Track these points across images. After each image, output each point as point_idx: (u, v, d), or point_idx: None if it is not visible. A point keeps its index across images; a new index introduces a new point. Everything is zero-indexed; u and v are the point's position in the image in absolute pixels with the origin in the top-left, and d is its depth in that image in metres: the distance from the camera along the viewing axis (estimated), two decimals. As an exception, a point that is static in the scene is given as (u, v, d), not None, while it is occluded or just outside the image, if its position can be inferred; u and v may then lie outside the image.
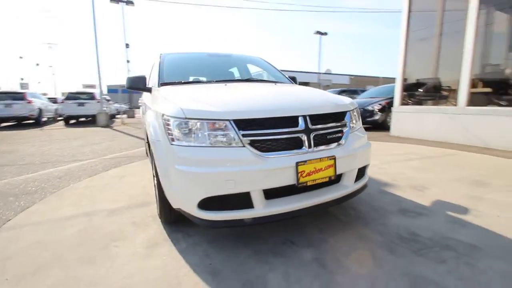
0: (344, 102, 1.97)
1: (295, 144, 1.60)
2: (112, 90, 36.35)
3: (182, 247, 1.75)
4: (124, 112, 18.26)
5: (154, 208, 2.34)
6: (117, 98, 27.22)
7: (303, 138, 1.61)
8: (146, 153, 4.60)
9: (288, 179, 1.54)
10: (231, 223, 1.53)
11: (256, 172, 1.48)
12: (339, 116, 1.84)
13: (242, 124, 1.53)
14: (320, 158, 1.61)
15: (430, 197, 2.47)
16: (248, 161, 1.48)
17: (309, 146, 1.62)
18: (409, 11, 5.96)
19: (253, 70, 3.40)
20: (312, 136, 1.64)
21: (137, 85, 2.55)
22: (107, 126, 11.26)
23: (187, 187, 1.53)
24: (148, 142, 3.59)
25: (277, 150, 1.56)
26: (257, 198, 1.51)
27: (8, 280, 1.47)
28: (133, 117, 17.92)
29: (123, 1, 17.09)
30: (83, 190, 2.97)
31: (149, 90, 2.53)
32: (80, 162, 4.42)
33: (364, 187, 2.00)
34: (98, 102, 12.01)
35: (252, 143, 1.53)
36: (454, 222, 2.00)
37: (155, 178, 2.02)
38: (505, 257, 1.55)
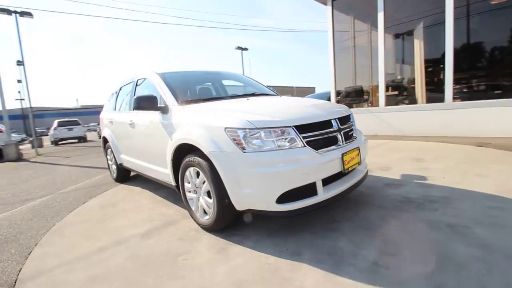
0: (346, 108, 2.56)
1: (334, 141, 2.06)
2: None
3: (250, 245, 1.94)
4: (23, 142, 15.13)
5: (185, 224, 2.39)
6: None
7: (338, 136, 2.09)
8: (114, 179, 4.27)
9: (337, 168, 1.98)
10: (302, 210, 1.85)
11: (318, 165, 1.86)
12: (348, 118, 2.40)
13: (300, 129, 1.89)
14: (352, 149, 2.11)
15: (395, 173, 3.30)
16: (311, 157, 1.85)
17: (342, 142, 2.10)
18: (333, 39, 7.31)
19: (234, 84, 3.71)
20: (342, 133, 2.13)
21: (149, 104, 2.57)
22: (19, 159, 9.27)
23: (265, 186, 1.78)
24: (119, 166, 3.36)
25: (325, 147, 1.98)
26: (320, 186, 1.89)
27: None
28: (41, 146, 15.05)
29: (17, 12, 14.44)
30: (81, 224, 2.67)
31: (161, 109, 2.57)
32: (34, 200, 3.75)
33: (367, 171, 2.60)
34: (1, 132, 9.76)
35: (308, 143, 1.90)
36: (423, 186, 2.80)
37: (200, 193, 2.13)
38: (468, 198, 2.37)
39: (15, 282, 1.78)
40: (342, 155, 2.00)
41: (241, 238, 2.05)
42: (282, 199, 1.80)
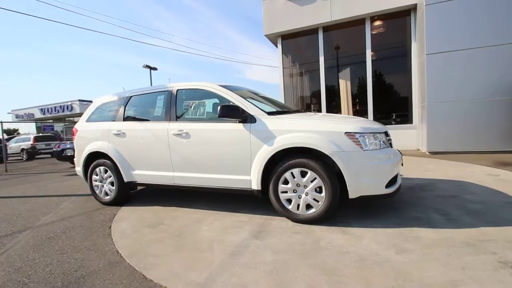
0: None
1: (390, 145, 2.90)
2: None
3: (361, 225, 2.45)
4: None
5: (279, 224, 2.63)
6: None
7: (391, 142, 2.94)
8: (104, 202, 3.67)
9: (400, 165, 2.81)
10: (394, 193, 2.52)
11: (398, 161, 2.63)
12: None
13: (385, 135, 2.63)
14: (401, 152, 3.02)
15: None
16: (395, 155, 2.60)
17: (393, 147, 2.98)
18: (283, 73, 8.61)
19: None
20: (391, 141, 3.00)
21: (233, 113, 2.70)
22: None
23: (380, 176, 2.39)
24: (123, 184, 3.41)
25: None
26: (397, 177, 2.65)
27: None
28: None
29: None
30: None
31: (247, 118, 2.73)
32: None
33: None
34: None
35: (390, 145, 2.67)
36: (407, 179, 4.04)
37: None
38: (436, 182, 3.68)
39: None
40: (402, 155, 2.87)
41: (346, 223, 2.52)
42: (387, 184, 2.46)
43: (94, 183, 3.75)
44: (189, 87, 3.23)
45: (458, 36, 5.68)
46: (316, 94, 8.31)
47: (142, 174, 3.39)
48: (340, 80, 8.17)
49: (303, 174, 2.54)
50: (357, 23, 7.31)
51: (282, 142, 2.57)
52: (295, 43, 8.54)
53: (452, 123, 5.84)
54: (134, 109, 3.60)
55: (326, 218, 2.51)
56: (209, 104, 3.17)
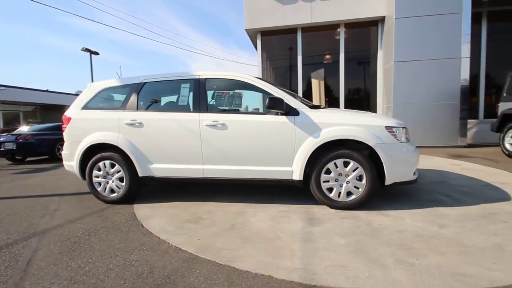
0: None
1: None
2: None
3: (396, 208, 2.79)
4: None
5: (322, 211, 2.82)
6: None
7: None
8: (108, 200, 3.30)
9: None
10: (415, 180, 2.93)
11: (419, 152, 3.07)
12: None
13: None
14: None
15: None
16: (415, 147, 3.03)
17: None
18: (261, 71, 8.70)
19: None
20: None
21: (278, 105, 2.74)
22: None
23: (411, 165, 2.75)
24: (136, 180, 3.15)
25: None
26: (416, 166, 3.09)
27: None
28: None
29: None
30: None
31: (290, 111, 2.79)
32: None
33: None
34: None
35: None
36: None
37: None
38: (427, 171, 4.35)
39: (299, 282, 1.64)
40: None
41: (378, 208, 2.83)
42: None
43: (95, 179, 3.29)
44: (220, 77, 3.12)
45: (420, 47, 6.68)
46: (293, 91, 8.70)
47: (162, 168, 3.13)
48: (313, 80, 8.71)
49: (346, 164, 2.75)
50: (333, 27, 7.91)
51: (329, 134, 2.72)
52: (272, 41, 8.74)
53: (415, 122, 6.84)
54: (151, 97, 3.28)
55: (364, 203, 2.78)
56: (246, 95, 3.11)
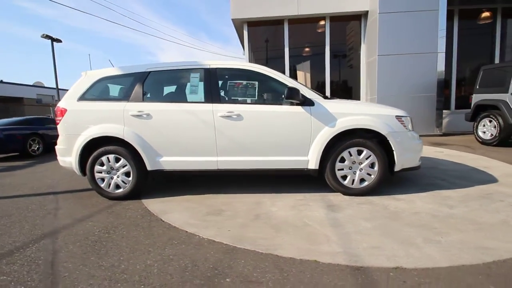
0: None
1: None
2: None
3: (403, 193, 2.98)
4: None
5: (336, 197, 2.93)
6: None
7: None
8: (113, 196, 3.12)
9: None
10: (420, 166, 3.14)
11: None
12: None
13: (410, 119, 3.22)
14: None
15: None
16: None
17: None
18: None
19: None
20: None
21: (295, 95, 2.76)
22: None
23: (418, 152, 2.95)
24: (144, 173, 3.02)
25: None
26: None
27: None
28: None
29: None
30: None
31: (305, 101, 2.83)
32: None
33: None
34: None
35: (410, 128, 3.27)
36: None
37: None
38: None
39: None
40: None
41: (387, 193, 3.00)
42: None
43: (97, 175, 3.08)
44: (231, 67, 3.06)
45: (402, 41, 7.05)
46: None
47: (173, 161, 3.02)
48: (298, 72, 8.83)
49: (359, 153, 2.87)
50: (319, 20, 8.04)
51: (345, 124, 2.81)
52: (257, 31, 8.66)
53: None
54: (157, 87, 3.13)
55: (375, 189, 2.93)
56: (260, 85, 3.06)
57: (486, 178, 3.43)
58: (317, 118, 2.85)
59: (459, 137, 7.03)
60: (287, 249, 1.92)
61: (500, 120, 5.33)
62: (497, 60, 8.07)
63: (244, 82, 3.07)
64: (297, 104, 2.86)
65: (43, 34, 20.62)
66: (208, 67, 3.04)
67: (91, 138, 3.02)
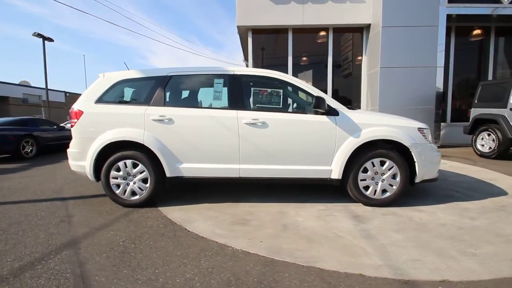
0: None
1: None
2: None
3: (422, 204, 3.02)
4: None
5: (357, 208, 2.93)
6: None
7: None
8: (128, 204, 3.01)
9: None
10: (437, 178, 3.19)
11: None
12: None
13: (428, 131, 3.29)
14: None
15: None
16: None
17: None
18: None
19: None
20: None
21: (322, 105, 2.77)
22: None
23: (437, 164, 2.99)
24: (163, 179, 2.94)
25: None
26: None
27: (473, 248, 2.04)
28: None
29: None
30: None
31: (330, 111, 2.84)
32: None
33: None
34: None
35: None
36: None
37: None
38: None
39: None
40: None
41: (407, 204, 3.03)
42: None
43: (113, 181, 2.96)
44: (256, 74, 3.04)
45: (404, 55, 7.27)
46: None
47: (193, 168, 2.95)
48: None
49: (382, 163, 2.89)
50: (322, 30, 8.19)
51: (369, 135, 2.83)
52: (261, 39, 8.72)
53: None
54: (180, 92, 3.07)
55: (396, 200, 2.95)
56: (284, 93, 3.06)
57: (496, 191, 3.52)
58: (342, 128, 2.86)
59: (456, 149, 7.25)
60: (327, 261, 1.88)
61: (499, 134, 5.54)
62: (490, 75, 8.44)
63: (269, 90, 3.06)
64: (322, 114, 2.87)
65: (35, 33, 20.05)
66: (232, 73, 3.01)
67: (109, 142, 2.91)
